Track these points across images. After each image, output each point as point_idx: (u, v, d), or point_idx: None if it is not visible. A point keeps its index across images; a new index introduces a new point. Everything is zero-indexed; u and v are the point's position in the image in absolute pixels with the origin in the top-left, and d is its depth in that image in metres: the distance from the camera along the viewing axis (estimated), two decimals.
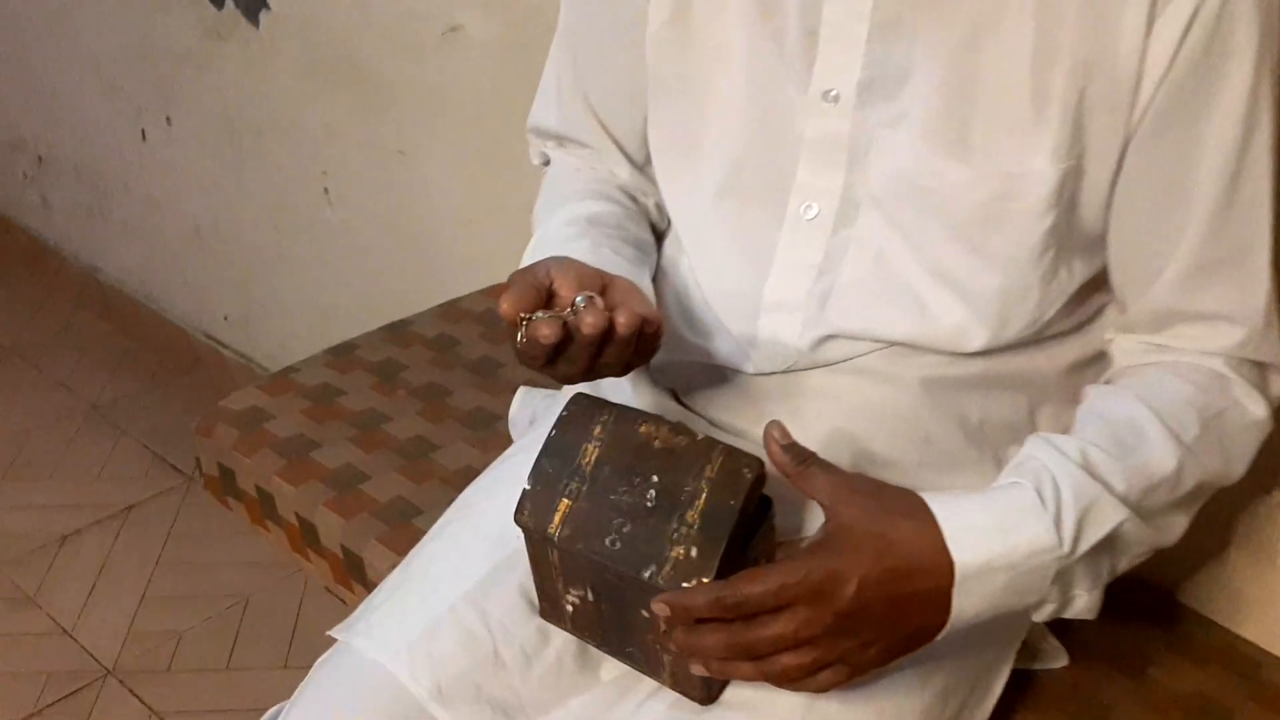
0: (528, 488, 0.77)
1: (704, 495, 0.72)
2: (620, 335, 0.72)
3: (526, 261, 0.91)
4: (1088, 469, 0.73)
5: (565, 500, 0.76)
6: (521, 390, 1.31)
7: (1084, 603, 0.76)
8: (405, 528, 1.16)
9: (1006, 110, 0.77)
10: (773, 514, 0.75)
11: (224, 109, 2.07)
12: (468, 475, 1.05)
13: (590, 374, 0.76)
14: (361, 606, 0.90)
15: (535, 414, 1.18)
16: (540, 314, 0.72)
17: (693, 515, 0.71)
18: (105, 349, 2.55)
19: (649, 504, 0.73)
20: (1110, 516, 0.73)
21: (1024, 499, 0.72)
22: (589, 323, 0.71)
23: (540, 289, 0.75)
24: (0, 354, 2.52)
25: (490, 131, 1.65)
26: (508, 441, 1.12)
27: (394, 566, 0.95)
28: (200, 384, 2.40)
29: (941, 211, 0.82)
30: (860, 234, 0.86)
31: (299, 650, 1.80)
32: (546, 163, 1.07)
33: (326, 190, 1.96)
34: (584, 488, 0.75)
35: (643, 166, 1.00)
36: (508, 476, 0.94)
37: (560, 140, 1.04)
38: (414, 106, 1.74)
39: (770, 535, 0.76)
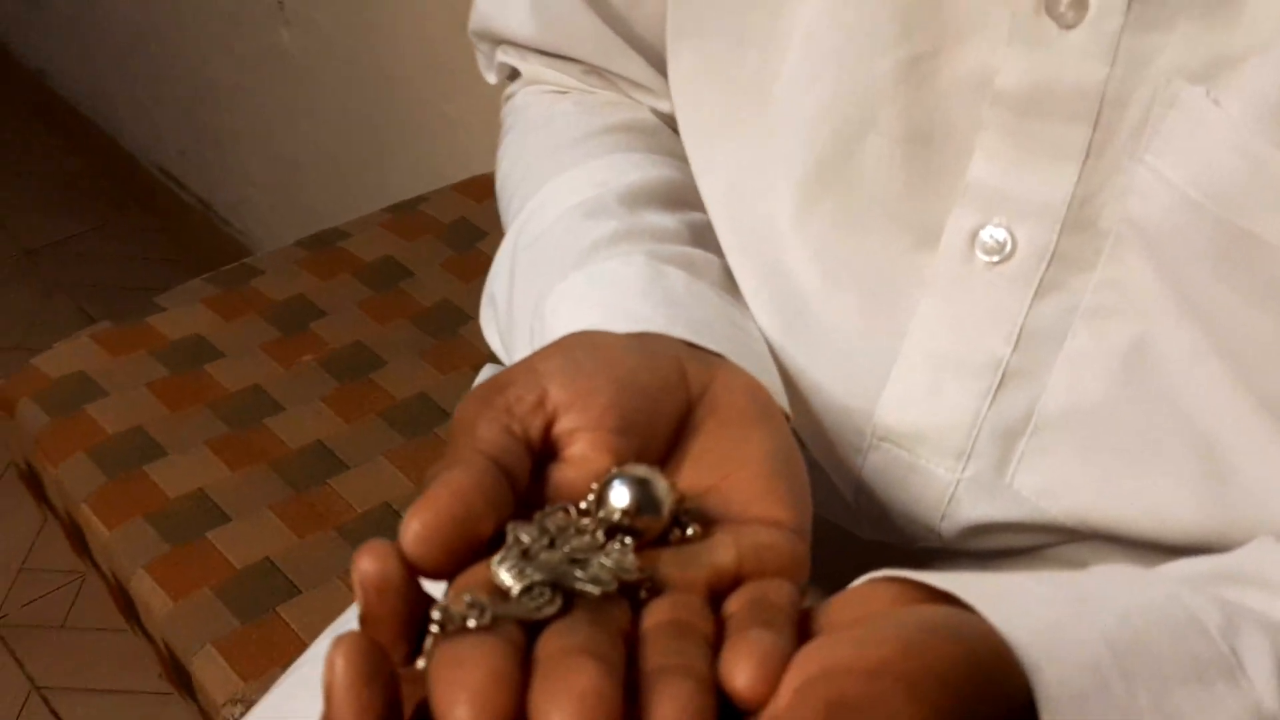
0: None
1: None
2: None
3: (496, 299, 0.49)
4: None
5: None
6: (489, 371, 0.86)
7: None
8: (270, 629, 0.73)
9: None
10: None
11: None
12: None
13: None
14: None
15: None
16: (480, 610, 0.26)
17: None
18: (49, 174, 2.10)
19: None
20: None
21: None
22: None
23: (507, 459, 0.30)
24: None
25: None
26: None
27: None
28: (153, 232, 1.96)
29: None
30: (1100, 302, 0.38)
31: None
32: (512, 77, 0.58)
33: (281, 4, 1.46)
34: None
35: None
36: None
37: (539, 53, 0.54)
38: None
39: None
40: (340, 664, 0.25)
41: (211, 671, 0.71)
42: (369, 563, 0.26)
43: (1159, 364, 0.37)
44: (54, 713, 1.30)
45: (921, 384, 0.41)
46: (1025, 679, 0.26)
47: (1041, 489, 0.40)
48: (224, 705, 0.70)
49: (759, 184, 0.44)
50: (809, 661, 0.25)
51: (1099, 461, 0.39)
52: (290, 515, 0.79)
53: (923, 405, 0.41)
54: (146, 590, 0.75)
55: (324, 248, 1.01)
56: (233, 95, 1.67)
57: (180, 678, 0.74)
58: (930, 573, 0.29)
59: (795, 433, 0.46)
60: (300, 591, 0.75)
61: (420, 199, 1.06)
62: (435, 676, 0.24)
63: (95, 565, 0.81)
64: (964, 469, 0.41)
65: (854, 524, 0.47)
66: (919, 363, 0.41)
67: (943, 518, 0.43)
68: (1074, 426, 0.39)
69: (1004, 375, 0.40)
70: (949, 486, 0.42)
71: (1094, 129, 0.36)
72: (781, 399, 0.41)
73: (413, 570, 0.27)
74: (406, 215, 1.05)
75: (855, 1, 0.39)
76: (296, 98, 1.54)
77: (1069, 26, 0.36)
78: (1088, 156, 0.37)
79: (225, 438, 0.84)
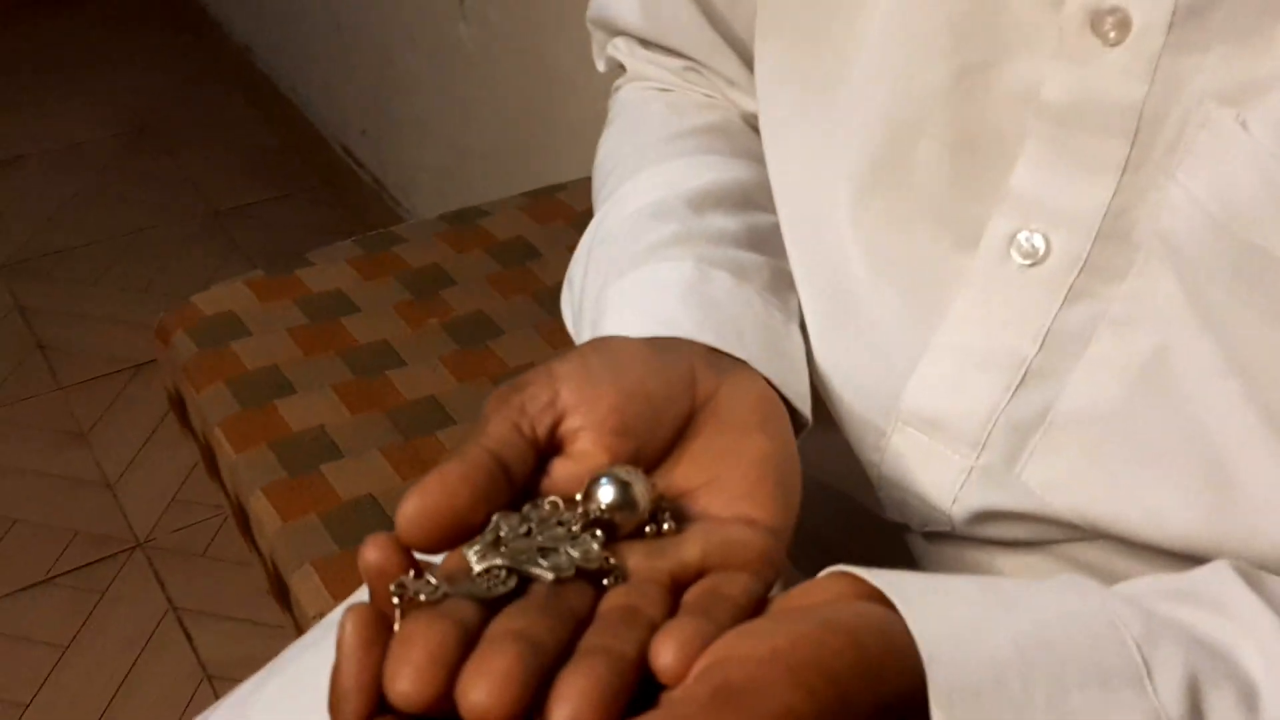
0: None
1: None
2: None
3: (574, 283, 0.52)
4: None
5: None
6: None
7: None
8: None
9: None
10: None
11: None
12: None
13: None
14: None
15: None
16: (432, 587, 0.30)
17: None
18: (245, 144, 2.26)
19: None
20: None
21: None
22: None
23: (509, 453, 0.34)
24: (137, 135, 2.27)
25: None
26: None
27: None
28: (330, 205, 2.09)
29: None
30: (1126, 311, 0.40)
31: None
32: (622, 68, 0.62)
33: (461, 0, 1.55)
34: None
35: None
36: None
37: (644, 43, 0.59)
38: None
39: None
40: (348, 630, 0.29)
41: (307, 588, 0.78)
42: (371, 553, 0.30)
43: (1176, 375, 0.38)
44: (185, 631, 1.42)
45: (947, 374, 0.43)
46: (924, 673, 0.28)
47: (1048, 483, 0.42)
48: (314, 618, 0.77)
49: (820, 178, 0.46)
50: (721, 647, 0.29)
51: (1106, 462, 0.41)
52: (397, 459, 0.86)
53: (946, 394, 0.44)
54: (261, 509, 0.83)
55: (463, 223, 1.08)
56: (412, 83, 1.78)
57: (281, 591, 0.81)
58: (877, 570, 0.31)
59: (826, 413, 0.49)
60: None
61: (558, 186, 1.12)
62: (388, 651, 0.29)
63: (221, 483, 0.90)
64: (977, 457, 0.43)
65: (876, 505, 0.49)
66: (948, 354, 0.43)
67: (954, 502, 0.44)
68: (1086, 427, 0.41)
69: (1026, 373, 0.42)
70: (961, 473, 0.44)
71: (1131, 145, 0.38)
72: (804, 400, 0.43)
73: (409, 551, 0.31)
74: (543, 200, 1.11)
75: (916, 13, 0.41)
76: (466, 88, 1.63)
77: (1112, 45, 0.37)
78: (1124, 171, 0.38)
79: (349, 383, 0.91)
